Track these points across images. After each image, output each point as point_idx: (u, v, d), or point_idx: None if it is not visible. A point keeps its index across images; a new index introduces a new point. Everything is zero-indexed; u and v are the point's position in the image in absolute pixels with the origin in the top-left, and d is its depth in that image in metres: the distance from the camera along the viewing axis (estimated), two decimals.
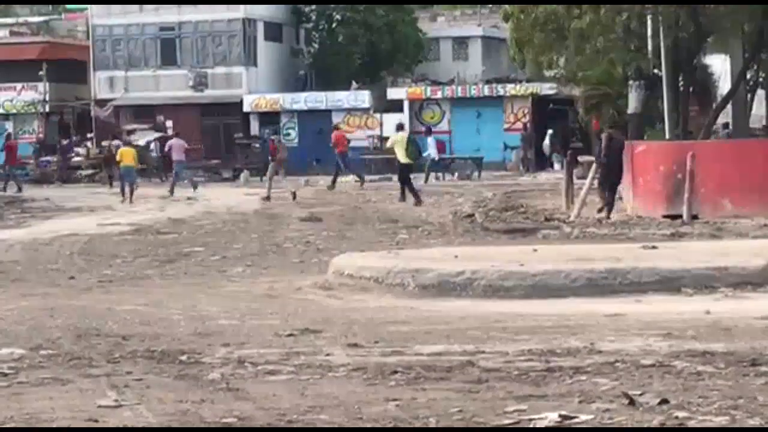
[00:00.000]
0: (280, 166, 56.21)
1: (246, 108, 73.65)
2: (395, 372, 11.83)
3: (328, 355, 13.05)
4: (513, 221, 31.31)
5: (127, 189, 47.80)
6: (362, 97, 72.43)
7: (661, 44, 40.77)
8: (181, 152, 54.13)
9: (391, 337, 14.25)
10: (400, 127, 46.96)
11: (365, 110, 72.24)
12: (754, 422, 9.34)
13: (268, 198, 44.51)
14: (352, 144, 61.79)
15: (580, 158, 43.92)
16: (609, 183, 32.61)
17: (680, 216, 29.79)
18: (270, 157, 56.26)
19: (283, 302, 18.49)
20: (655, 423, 9.39)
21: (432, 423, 9.54)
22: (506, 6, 48.51)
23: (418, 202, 39.08)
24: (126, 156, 48.90)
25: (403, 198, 40.55)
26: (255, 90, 74.46)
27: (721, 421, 9.39)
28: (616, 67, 46.71)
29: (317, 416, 9.82)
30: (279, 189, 48.41)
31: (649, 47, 42.58)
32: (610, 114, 49.55)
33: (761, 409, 9.82)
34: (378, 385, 11.29)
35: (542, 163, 66.76)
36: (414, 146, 44.56)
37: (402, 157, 41.99)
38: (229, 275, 23.17)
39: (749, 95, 49.22)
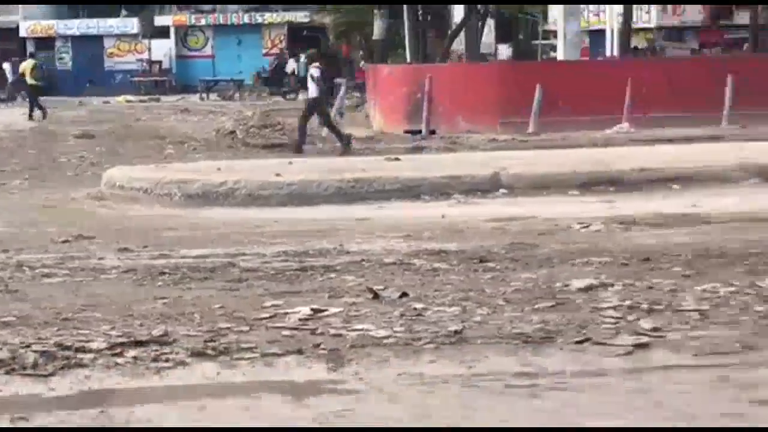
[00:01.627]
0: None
1: (22, 33, 71.89)
2: (163, 273, 11.81)
3: (100, 258, 12.96)
4: (271, 137, 31.24)
5: None
6: (131, 24, 71.39)
7: None
8: None
9: (159, 242, 14.19)
10: (31, 55, 52.57)
11: (134, 36, 71.24)
12: (482, 311, 9.56)
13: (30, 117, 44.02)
14: (125, 67, 61.42)
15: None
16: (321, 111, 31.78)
17: (420, 131, 30.13)
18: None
19: (59, 212, 18.30)
20: (396, 314, 9.54)
21: (197, 318, 9.54)
22: None
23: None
24: None
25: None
26: (30, 16, 72.67)
27: (453, 310, 9.57)
28: None
29: (91, 314, 9.73)
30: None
31: None
32: (357, 40, 49.68)
33: (488, 299, 10.04)
34: (147, 286, 11.25)
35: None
36: (39, 70, 48.76)
37: (29, 79, 46.17)
38: (8, 188, 22.81)
39: (480, 23, 49.81)
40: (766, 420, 6.67)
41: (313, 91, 29.29)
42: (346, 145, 28.03)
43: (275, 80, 63.21)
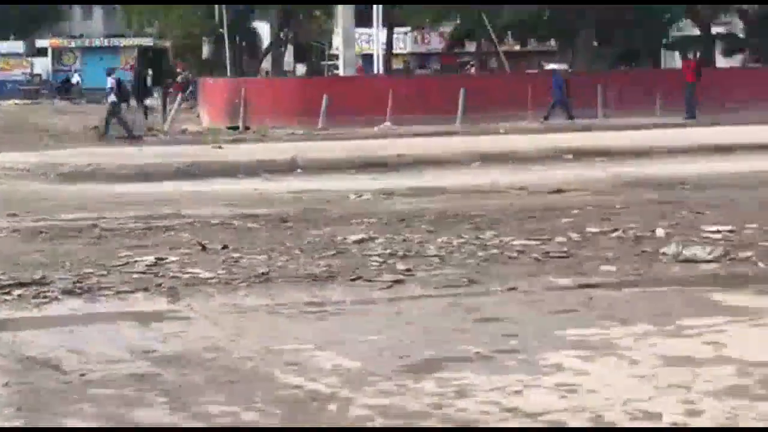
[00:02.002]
0: None
1: None
2: (41, 232, 11.48)
3: None
4: (122, 132, 30.60)
5: None
6: (18, 46, 69.21)
7: (224, 13, 40.80)
8: None
9: (38, 209, 13.77)
10: None
11: (20, 55, 69.09)
12: (283, 258, 9.55)
13: None
14: (13, 78, 60.05)
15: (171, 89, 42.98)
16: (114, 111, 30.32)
17: (238, 127, 29.92)
18: None
19: None
20: (219, 261, 9.46)
21: (68, 265, 9.31)
22: None
23: None
24: None
25: None
26: None
27: (262, 258, 9.54)
28: (194, 27, 46.44)
29: None
30: None
31: (216, 15, 42.49)
32: (190, 59, 49.13)
33: (288, 250, 10.04)
34: (30, 242, 10.92)
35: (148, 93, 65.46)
36: None
37: None
38: None
39: (283, 48, 49.74)
40: (487, 331, 6.79)
41: (111, 97, 28.86)
42: (132, 137, 27.31)
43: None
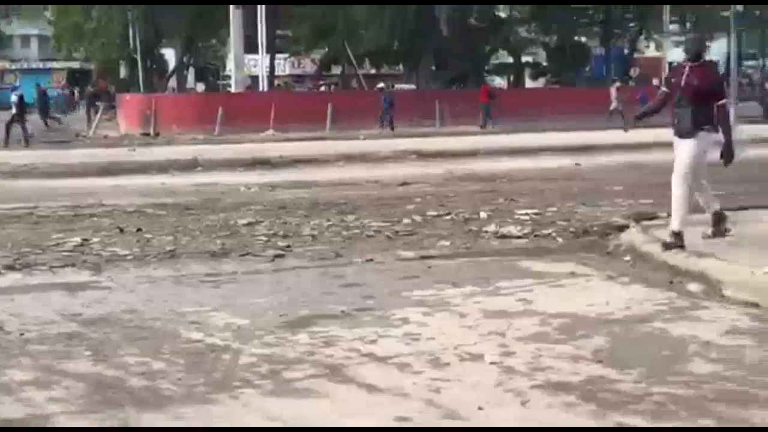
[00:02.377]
0: None
1: None
2: None
3: None
4: (57, 137, 29.61)
5: None
6: None
7: (137, 42, 39.86)
8: None
9: None
10: None
11: None
12: (187, 238, 9.40)
13: None
14: None
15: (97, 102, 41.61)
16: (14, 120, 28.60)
17: (149, 133, 29.29)
18: None
19: None
20: (134, 241, 9.25)
21: (9, 246, 9.00)
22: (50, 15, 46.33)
23: None
24: None
25: None
26: None
27: (169, 239, 9.36)
28: (113, 53, 45.26)
29: None
30: None
31: (131, 43, 41.47)
32: (110, 79, 47.87)
33: (191, 232, 9.87)
34: None
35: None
36: None
37: None
38: None
39: (185, 70, 48.77)
40: (349, 293, 6.81)
41: (14, 110, 26.90)
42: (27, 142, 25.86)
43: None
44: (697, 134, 7.57)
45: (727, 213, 8.18)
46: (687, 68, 7.72)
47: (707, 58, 8.57)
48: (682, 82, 7.67)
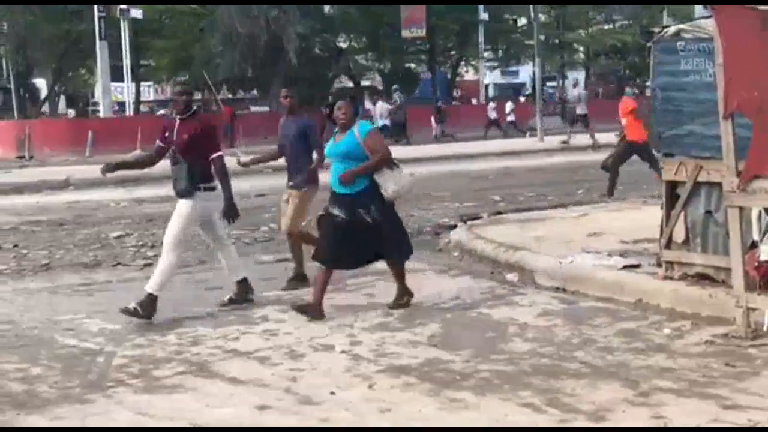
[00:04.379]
0: None
1: None
2: None
3: None
4: None
5: None
6: None
7: (10, 72, 37.88)
8: None
9: None
10: None
11: None
12: (61, 252, 8.96)
13: None
14: None
15: None
16: None
17: (24, 156, 27.81)
18: None
19: None
20: (10, 256, 8.76)
21: None
22: None
23: None
24: None
25: None
26: None
27: (44, 252, 8.91)
28: None
29: None
30: None
31: (4, 73, 39.36)
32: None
33: (64, 246, 9.44)
34: None
35: None
36: None
37: None
38: None
39: (57, 98, 46.64)
40: (213, 296, 6.64)
41: None
42: None
43: None
44: (194, 194, 6.10)
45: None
46: (178, 122, 6.25)
47: (201, 110, 7.02)
48: (174, 137, 6.20)
